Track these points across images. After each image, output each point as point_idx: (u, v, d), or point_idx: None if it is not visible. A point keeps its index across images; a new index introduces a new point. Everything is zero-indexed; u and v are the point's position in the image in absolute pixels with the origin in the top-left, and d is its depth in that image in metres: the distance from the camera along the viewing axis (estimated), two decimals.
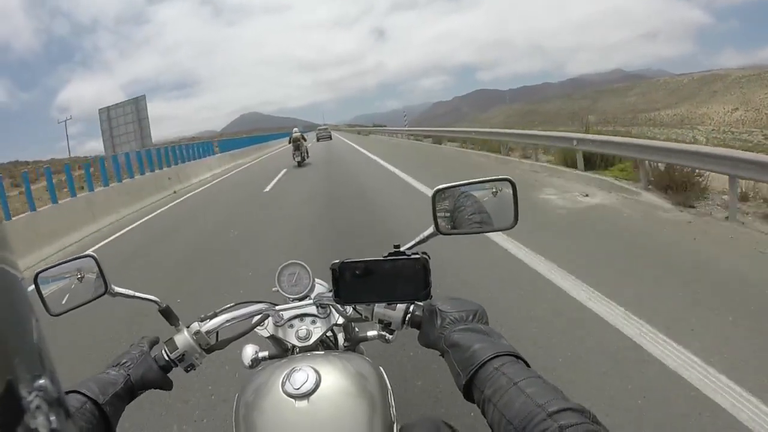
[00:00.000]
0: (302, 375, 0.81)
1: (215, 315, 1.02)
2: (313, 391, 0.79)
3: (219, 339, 1.02)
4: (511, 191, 0.86)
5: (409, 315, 0.91)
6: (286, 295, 1.16)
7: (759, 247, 4.24)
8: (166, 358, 0.94)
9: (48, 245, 7.58)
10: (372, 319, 0.95)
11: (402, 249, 0.85)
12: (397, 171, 11.60)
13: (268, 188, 11.73)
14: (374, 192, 9.23)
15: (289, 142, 17.93)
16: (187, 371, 0.98)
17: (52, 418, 0.22)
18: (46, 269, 0.96)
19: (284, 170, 15.69)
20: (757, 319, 2.87)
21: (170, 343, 0.96)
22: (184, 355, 0.96)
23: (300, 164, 17.13)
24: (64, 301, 0.96)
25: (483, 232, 0.92)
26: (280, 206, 8.81)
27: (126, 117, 25.05)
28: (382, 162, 14.63)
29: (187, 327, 0.99)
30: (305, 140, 18.21)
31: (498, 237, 4.76)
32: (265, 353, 1.16)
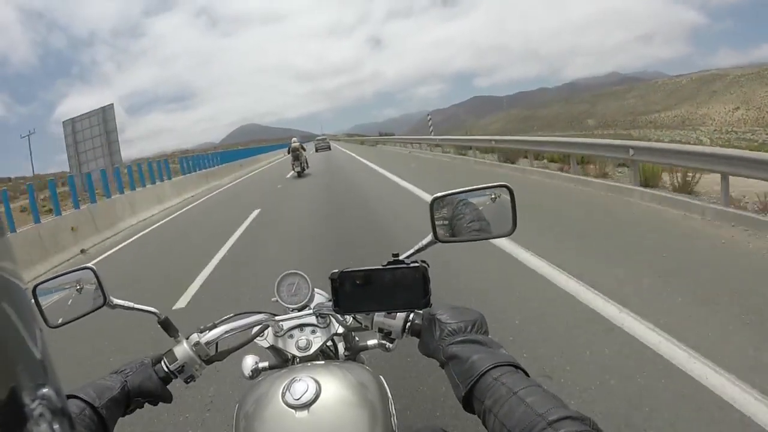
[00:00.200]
0: (302, 385, 0.81)
1: (215, 326, 1.02)
2: (314, 401, 0.79)
3: (218, 350, 1.02)
4: (509, 197, 0.86)
5: (409, 323, 0.91)
6: (286, 305, 1.15)
7: None
8: (166, 370, 0.94)
9: None
10: (372, 328, 0.95)
11: (401, 257, 0.85)
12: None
13: (220, 253, 6.62)
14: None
15: (288, 152, 18.05)
16: (187, 383, 0.98)
17: (56, 426, 0.22)
18: (45, 281, 0.96)
19: (257, 211, 10.00)
20: None
21: (169, 354, 0.96)
22: (183, 366, 0.95)
23: (300, 174, 17.18)
24: (62, 314, 0.96)
25: (482, 239, 0.91)
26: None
27: (92, 130, 21.04)
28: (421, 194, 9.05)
29: (187, 338, 0.99)
30: (305, 150, 18.25)
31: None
32: (265, 364, 1.14)
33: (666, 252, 4.28)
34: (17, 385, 0.21)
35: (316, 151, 42.04)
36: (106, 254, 8.53)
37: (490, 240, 0.93)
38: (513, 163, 12.17)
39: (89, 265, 1.00)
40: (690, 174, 6.52)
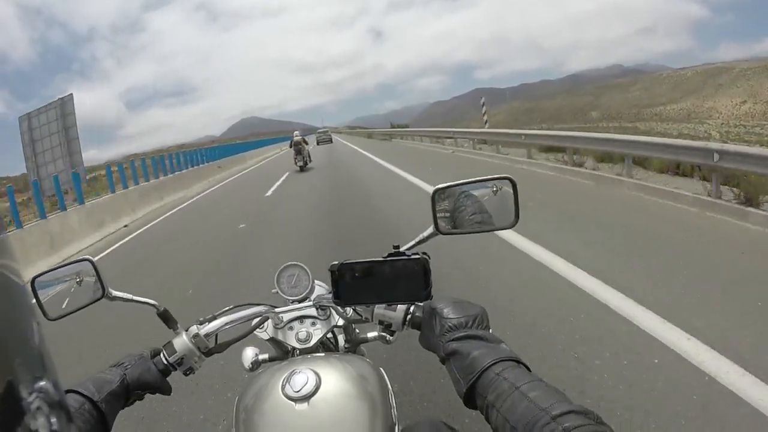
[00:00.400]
0: (302, 377, 0.80)
1: (214, 318, 1.02)
2: (314, 393, 0.79)
3: (218, 342, 1.02)
4: (511, 189, 0.85)
5: (409, 316, 0.91)
6: (286, 297, 1.14)
7: None
8: (165, 362, 0.95)
9: None
10: (372, 321, 0.95)
11: (402, 249, 0.84)
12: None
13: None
14: None
15: (290, 146, 17.53)
16: (186, 375, 0.98)
17: (53, 419, 0.23)
18: (43, 273, 0.95)
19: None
20: None
21: (169, 346, 0.96)
22: (183, 358, 0.96)
23: (302, 169, 16.79)
24: (61, 306, 0.96)
25: (483, 232, 0.91)
26: None
27: (50, 126, 17.18)
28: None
29: (186, 330, 0.99)
30: (307, 144, 17.79)
31: None
32: (265, 356, 1.13)
33: None
34: (14, 378, 0.21)
35: (318, 144, 40.90)
36: None
37: (493, 232, 0.91)
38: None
39: (87, 257, 0.99)
40: None
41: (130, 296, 1.01)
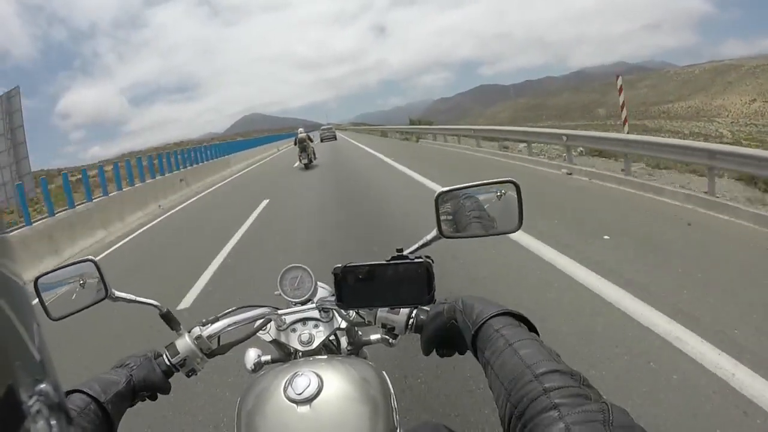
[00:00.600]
0: (304, 380, 0.80)
1: (217, 319, 1.02)
2: (316, 396, 0.79)
3: (221, 343, 1.02)
4: (515, 194, 0.86)
5: (412, 319, 0.92)
6: (289, 299, 1.15)
7: None
8: (168, 363, 0.95)
9: None
10: (375, 324, 0.95)
11: (405, 253, 0.84)
12: None
13: None
14: None
15: (295, 144, 17.46)
16: (188, 376, 0.98)
17: (53, 422, 0.22)
18: (46, 274, 0.96)
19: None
20: None
21: (171, 347, 0.96)
22: (185, 360, 0.96)
23: (307, 167, 16.59)
24: (64, 306, 0.96)
25: (487, 236, 0.91)
26: None
27: None
28: None
29: (189, 332, 0.99)
30: (311, 140, 17.58)
31: None
32: (268, 357, 1.12)
33: None
34: (15, 382, 0.21)
35: (321, 141, 40.17)
36: None
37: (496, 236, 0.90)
38: None
39: (90, 257, 0.99)
40: None
41: (132, 297, 1.01)
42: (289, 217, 8.40)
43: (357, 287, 0.81)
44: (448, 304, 0.82)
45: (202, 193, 15.08)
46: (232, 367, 2.80)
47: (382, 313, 0.93)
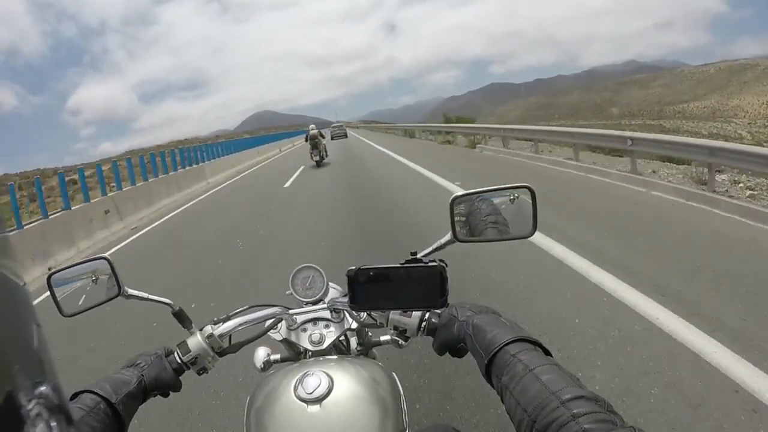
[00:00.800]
0: (315, 379, 0.80)
1: (228, 318, 1.02)
2: (326, 395, 0.79)
3: (232, 342, 1.02)
4: (529, 199, 0.85)
5: (425, 322, 0.91)
6: (300, 298, 1.16)
7: None
8: (179, 361, 0.95)
9: None
10: (387, 326, 0.96)
11: (419, 256, 0.84)
12: None
13: None
14: None
15: (306, 140, 17.17)
16: (199, 374, 0.98)
17: (53, 424, 0.22)
18: (59, 271, 0.96)
19: None
20: None
21: (183, 345, 0.96)
22: (196, 358, 0.96)
23: (318, 164, 16.34)
24: (77, 303, 0.96)
25: (501, 240, 0.91)
26: None
27: None
28: None
29: (200, 330, 0.99)
30: (323, 137, 17.26)
31: None
32: (277, 356, 1.13)
33: None
34: (14, 384, 0.20)
35: (332, 138, 39.54)
36: None
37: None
38: None
39: (104, 255, 0.99)
40: None
41: (145, 295, 1.00)
42: None
43: (370, 289, 0.80)
44: (458, 323, 0.82)
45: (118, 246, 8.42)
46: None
47: (395, 315, 0.94)
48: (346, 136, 42.52)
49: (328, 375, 0.82)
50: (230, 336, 1.01)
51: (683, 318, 2.92)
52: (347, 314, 1.07)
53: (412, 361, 2.72)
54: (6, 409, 0.20)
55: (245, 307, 1.07)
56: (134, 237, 8.97)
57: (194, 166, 16.65)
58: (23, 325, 0.22)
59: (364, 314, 0.99)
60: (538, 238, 4.51)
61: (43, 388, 0.22)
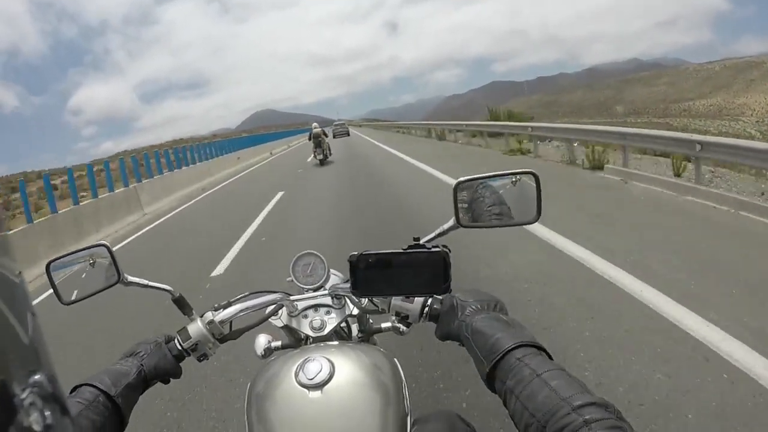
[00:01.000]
0: (316, 365, 0.80)
1: (229, 304, 1.01)
2: (327, 381, 0.78)
3: (232, 329, 1.01)
4: (534, 184, 0.85)
5: (427, 308, 0.91)
6: (301, 285, 1.16)
7: None
8: (179, 348, 0.95)
9: None
10: (389, 312, 0.95)
11: (422, 242, 0.83)
12: None
13: None
14: None
15: (309, 139, 16.97)
16: (199, 361, 0.98)
17: (47, 413, 0.22)
18: (58, 258, 0.96)
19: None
20: None
21: (183, 332, 0.96)
22: (197, 344, 0.95)
23: (322, 162, 16.23)
24: (76, 290, 0.96)
25: (505, 226, 0.90)
26: None
27: None
28: None
29: (201, 316, 0.99)
30: (326, 136, 17.22)
31: None
32: (278, 343, 1.14)
33: None
34: (7, 374, 0.21)
35: (334, 137, 39.19)
36: None
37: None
38: None
39: (103, 242, 0.99)
40: None
41: (145, 282, 1.00)
42: None
43: (372, 275, 0.79)
44: (457, 321, 0.80)
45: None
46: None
47: (397, 301, 0.92)
48: (348, 134, 42.31)
49: (330, 361, 0.80)
50: (231, 322, 1.00)
51: None
52: (348, 300, 1.06)
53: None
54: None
55: (246, 294, 1.06)
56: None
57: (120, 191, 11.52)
58: (17, 315, 0.22)
59: (365, 300, 0.99)
60: None
61: (37, 377, 0.22)
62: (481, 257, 4.24)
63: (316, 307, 1.07)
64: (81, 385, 0.77)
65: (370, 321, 1.19)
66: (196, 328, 0.96)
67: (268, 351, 1.11)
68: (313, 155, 16.60)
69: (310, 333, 1.04)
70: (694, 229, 4.64)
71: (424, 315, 0.91)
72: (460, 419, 0.86)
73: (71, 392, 0.77)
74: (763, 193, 5.55)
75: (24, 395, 0.21)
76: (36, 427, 0.21)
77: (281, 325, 1.07)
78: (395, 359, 0.93)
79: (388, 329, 1.11)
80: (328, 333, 1.04)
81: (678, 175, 6.68)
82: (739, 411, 2.10)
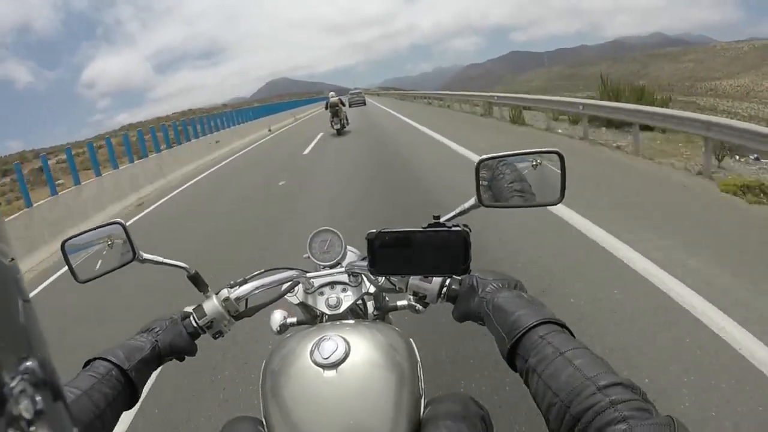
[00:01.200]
0: (332, 344, 0.79)
1: (245, 281, 1.00)
2: (342, 360, 0.78)
3: (248, 306, 1.01)
4: (558, 164, 0.82)
5: (445, 288, 0.89)
6: (318, 262, 1.14)
7: None
8: (195, 325, 0.94)
9: None
10: (406, 291, 0.93)
11: (442, 220, 0.81)
12: None
13: None
14: None
15: (326, 108, 16.65)
16: (215, 338, 0.97)
17: (38, 398, 0.22)
18: (73, 237, 0.95)
19: None
20: None
21: (199, 309, 0.96)
22: (212, 322, 0.95)
23: (339, 132, 15.74)
24: (92, 269, 0.96)
25: (527, 206, 0.88)
26: None
27: None
28: None
29: (216, 293, 0.98)
30: (344, 105, 16.66)
31: None
32: (294, 319, 1.13)
33: None
34: None
35: (350, 106, 37.69)
36: None
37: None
38: None
39: (118, 220, 0.98)
40: None
41: (161, 259, 0.99)
42: None
43: (390, 253, 0.77)
44: (477, 298, 0.79)
45: None
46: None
47: (414, 280, 0.90)
48: (364, 103, 41.16)
49: (345, 340, 0.80)
50: (246, 299, 0.99)
51: None
52: (365, 278, 1.05)
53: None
54: None
55: (261, 271, 1.05)
56: None
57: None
58: (7, 301, 0.22)
59: (382, 279, 0.98)
60: None
61: (29, 364, 0.22)
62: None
63: (332, 284, 1.06)
64: (95, 359, 0.78)
65: (387, 299, 1.18)
66: (211, 305, 0.96)
67: (284, 327, 1.11)
68: (330, 124, 16.13)
69: (326, 310, 1.04)
70: None
71: (442, 295, 0.89)
72: (474, 402, 0.85)
73: (85, 365, 0.77)
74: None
75: (14, 383, 0.21)
76: (26, 414, 0.21)
77: (297, 302, 1.07)
78: (410, 339, 0.93)
79: (404, 308, 1.10)
80: (343, 311, 1.03)
81: None
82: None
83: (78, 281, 0.94)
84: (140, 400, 0.81)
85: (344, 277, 1.06)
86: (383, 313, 1.19)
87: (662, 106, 8.97)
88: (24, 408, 0.21)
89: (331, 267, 1.12)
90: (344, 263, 1.12)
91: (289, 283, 1.04)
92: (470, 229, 0.76)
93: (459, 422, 0.79)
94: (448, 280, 0.89)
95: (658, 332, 2.62)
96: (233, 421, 0.88)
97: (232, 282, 1.00)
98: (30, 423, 0.21)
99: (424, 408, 0.83)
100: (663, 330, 2.63)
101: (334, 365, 0.77)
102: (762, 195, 4.82)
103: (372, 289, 1.06)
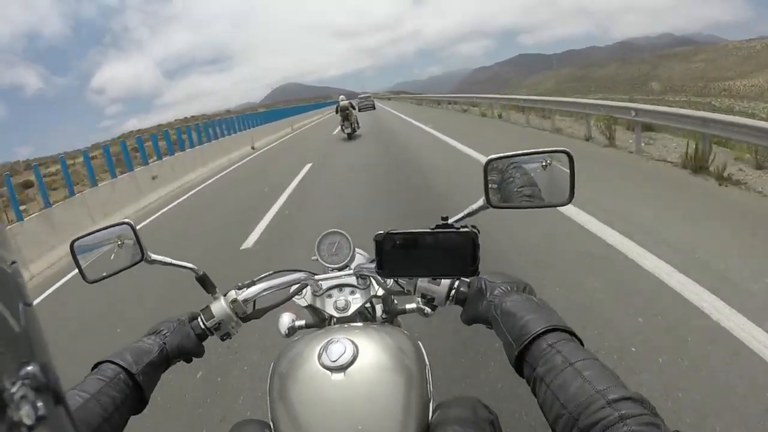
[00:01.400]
0: (340, 347, 0.79)
1: (253, 283, 1.00)
2: (350, 363, 0.78)
3: (256, 308, 1.01)
4: (567, 164, 0.80)
5: (453, 291, 0.89)
6: (326, 264, 1.14)
7: None
8: (202, 327, 0.94)
9: None
10: (414, 293, 0.93)
11: (450, 221, 0.81)
12: None
13: None
14: None
15: (336, 112, 16.32)
16: (222, 340, 0.97)
17: (39, 404, 0.22)
18: (82, 237, 0.95)
19: None
20: None
21: (206, 311, 0.96)
22: (220, 323, 0.95)
23: (350, 136, 15.65)
24: (100, 269, 0.96)
25: (536, 207, 0.86)
26: None
27: None
28: None
29: (224, 295, 0.98)
30: (354, 108, 16.65)
31: None
32: (302, 322, 1.14)
33: None
34: None
35: (359, 110, 37.64)
36: None
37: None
38: None
39: (127, 220, 0.98)
40: None
41: (169, 260, 0.99)
42: None
43: (398, 255, 0.77)
44: (486, 301, 0.79)
45: None
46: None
47: (423, 283, 0.90)
48: (374, 107, 41.07)
49: (354, 343, 0.80)
50: (254, 301, 0.99)
51: None
52: (373, 281, 1.05)
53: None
54: None
55: (270, 273, 1.05)
56: None
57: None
58: (7, 305, 0.22)
59: (391, 281, 0.97)
60: None
61: (30, 368, 0.22)
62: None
63: (340, 286, 1.06)
64: (102, 362, 0.77)
65: (395, 302, 1.17)
66: (219, 306, 0.95)
67: (292, 330, 1.11)
68: (341, 128, 16.07)
69: (334, 313, 1.03)
70: None
71: (451, 298, 0.88)
72: (483, 406, 0.84)
73: (93, 369, 0.76)
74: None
75: (14, 389, 0.20)
76: (27, 420, 0.21)
77: (305, 304, 1.07)
78: (419, 342, 0.92)
79: (413, 311, 1.11)
80: (352, 313, 1.03)
81: None
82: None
83: (87, 281, 0.94)
84: (147, 404, 0.80)
85: (353, 280, 1.06)
86: (392, 316, 1.18)
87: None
88: (25, 413, 0.21)
89: (340, 269, 1.12)
90: (353, 265, 1.11)
91: (297, 285, 1.04)
92: (479, 231, 0.75)
93: (468, 427, 0.78)
94: (456, 283, 0.89)
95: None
96: (241, 423, 0.87)
97: (240, 284, 1.00)
98: (31, 429, 0.21)
99: (433, 412, 0.83)
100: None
101: (342, 368, 0.77)
102: None
103: (380, 292, 1.05)
